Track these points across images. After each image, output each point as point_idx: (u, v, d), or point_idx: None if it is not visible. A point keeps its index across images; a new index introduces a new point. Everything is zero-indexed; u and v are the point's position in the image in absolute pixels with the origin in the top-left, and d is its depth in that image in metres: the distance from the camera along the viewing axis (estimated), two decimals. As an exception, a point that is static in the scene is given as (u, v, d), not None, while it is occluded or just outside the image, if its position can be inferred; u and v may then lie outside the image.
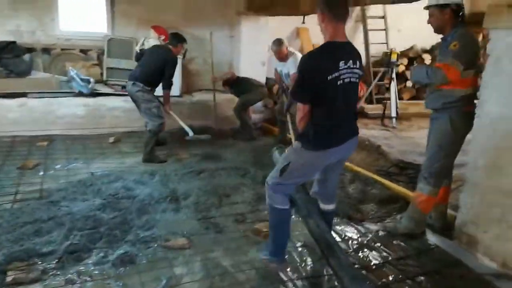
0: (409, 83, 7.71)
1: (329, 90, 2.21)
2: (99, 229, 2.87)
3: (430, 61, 7.85)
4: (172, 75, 4.75)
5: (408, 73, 7.66)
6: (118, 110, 5.77)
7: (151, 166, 4.40)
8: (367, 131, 5.79)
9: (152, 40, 5.97)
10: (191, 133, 5.05)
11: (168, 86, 4.77)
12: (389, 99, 7.16)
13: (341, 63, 2.20)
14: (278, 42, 5.06)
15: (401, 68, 7.46)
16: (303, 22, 5.90)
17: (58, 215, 3.00)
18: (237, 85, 5.93)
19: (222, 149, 5.18)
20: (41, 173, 4.12)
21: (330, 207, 2.73)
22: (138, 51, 5.87)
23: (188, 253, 2.72)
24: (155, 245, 2.77)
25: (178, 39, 4.91)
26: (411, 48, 7.97)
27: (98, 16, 6.31)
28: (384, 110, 6.32)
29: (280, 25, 7.08)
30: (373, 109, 6.89)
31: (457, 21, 2.84)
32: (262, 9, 6.02)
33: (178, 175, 3.94)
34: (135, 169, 4.25)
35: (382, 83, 7.38)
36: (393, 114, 6.12)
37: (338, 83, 2.20)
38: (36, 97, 5.42)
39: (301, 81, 2.24)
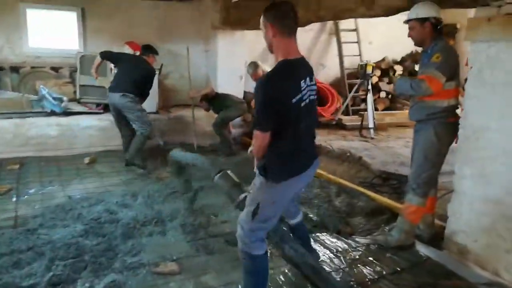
0: (382, 94, 7.88)
1: (292, 114, 1.98)
2: (83, 257, 2.72)
3: (401, 72, 8.08)
4: (151, 87, 5.00)
5: (381, 84, 7.84)
6: (92, 129, 5.59)
7: (132, 187, 4.25)
8: (347, 142, 5.84)
9: (126, 57, 5.82)
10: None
11: (146, 95, 5.00)
12: (365, 110, 7.30)
13: (302, 83, 2.01)
14: (254, 66, 5.16)
15: (375, 79, 7.62)
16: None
17: (37, 244, 2.83)
18: (216, 101, 5.85)
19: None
20: (14, 199, 3.91)
21: (298, 219, 2.70)
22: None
23: (179, 278, 2.61)
24: (144, 271, 2.65)
25: (150, 50, 5.02)
26: (383, 59, 8.17)
27: (69, 32, 6.12)
28: (362, 121, 6.40)
29: (255, 39, 7.10)
30: (350, 120, 6.98)
31: (437, 34, 2.92)
32: (238, 23, 6.01)
33: (162, 196, 3.82)
34: (115, 191, 4.10)
35: (357, 94, 7.51)
36: (371, 125, 6.21)
37: (302, 104, 2.01)
38: (5, 118, 5.17)
39: (263, 108, 1.93)
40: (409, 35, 3.02)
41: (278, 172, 2.05)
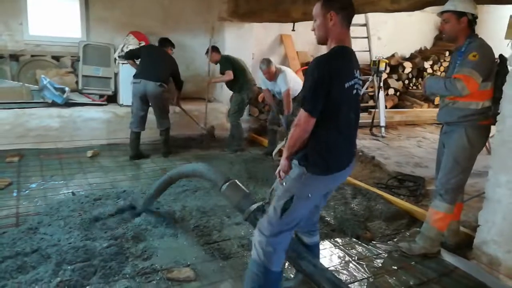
0: (391, 91, 7.72)
1: (344, 100, 1.91)
2: (91, 262, 2.53)
3: (410, 68, 7.92)
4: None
5: (390, 81, 7.67)
6: (95, 121, 5.39)
7: (138, 183, 4.08)
8: (358, 141, 5.60)
9: (132, 46, 5.61)
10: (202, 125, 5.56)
11: (181, 87, 5.25)
12: (373, 107, 7.14)
13: (355, 71, 1.98)
14: (267, 62, 4.91)
15: (384, 76, 7.44)
16: (293, 30, 5.72)
17: (42, 246, 2.64)
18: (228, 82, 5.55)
19: (211, 163, 4.88)
20: (15, 194, 3.71)
21: (316, 239, 2.38)
22: (117, 57, 5.56)
23: (195, 285, 2.44)
24: (157, 277, 2.48)
25: (169, 42, 5.10)
26: (393, 56, 8.00)
27: (71, 20, 5.87)
28: (373, 119, 6.23)
29: (263, 32, 6.92)
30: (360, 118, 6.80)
31: (471, 31, 2.74)
32: (247, 16, 5.80)
33: (172, 194, 3.63)
34: (121, 188, 3.91)
35: (366, 91, 7.34)
36: (382, 123, 6.05)
37: (353, 92, 1.96)
38: (5, 108, 4.94)
39: (316, 87, 1.84)
40: (442, 28, 2.84)
41: (321, 163, 1.94)
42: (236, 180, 2.57)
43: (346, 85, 1.89)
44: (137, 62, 4.95)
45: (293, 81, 4.91)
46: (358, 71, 2.01)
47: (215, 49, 5.48)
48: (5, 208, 3.38)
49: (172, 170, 3.13)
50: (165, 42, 5.05)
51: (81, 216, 3.12)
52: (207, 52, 5.51)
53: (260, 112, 6.66)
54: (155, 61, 4.78)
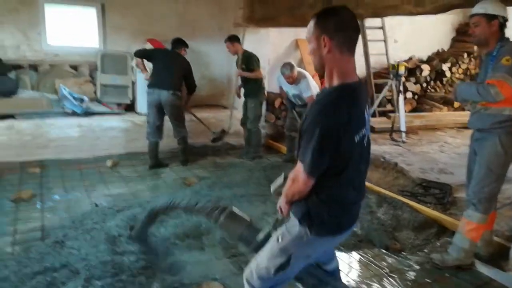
0: (409, 95, 7.61)
1: (354, 154, 1.58)
2: (120, 277, 2.50)
3: (428, 71, 7.80)
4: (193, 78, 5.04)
5: (408, 85, 7.56)
6: (114, 130, 5.40)
7: (160, 194, 4.05)
8: (378, 146, 5.58)
9: (149, 54, 5.61)
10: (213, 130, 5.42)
11: (194, 89, 5.09)
12: (391, 111, 7.04)
13: (365, 115, 1.64)
14: (290, 66, 4.81)
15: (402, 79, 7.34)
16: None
17: (70, 261, 2.62)
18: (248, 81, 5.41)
19: (230, 171, 4.88)
20: (38, 206, 3.72)
21: (335, 263, 2.09)
22: (134, 66, 5.56)
23: (226, 301, 2.40)
24: (187, 293, 2.44)
25: (181, 43, 5.02)
26: (410, 58, 7.90)
27: (87, 29, 5.90)
28: (393, 124, 6.13)
29: (279, 37, 6.87)
30: (379, 122, 6.71)
31: (501, 35, 2.65)
32: (263, 21, 5.76)
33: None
34: (142, 198, 3.89)
35: (384, 95, 7.24)
36: (403, 128, 5.93)
37: (364, 142, 1.64)
38: (25, 118, 4.98)
39: (320, 143, 1.47)
40: (472, 32, 2.74)
41: (327, 224, 1.62)
42: (233, 208, 2.27)
43: (356, 137, 1.56)
44: (146, 63, 4.98)
45: (313, 87, 4.87)
46: (367, 110, 1.68)
47: (237, 39, 5.36)
48: (30, 221, 3.38)
49: (159, 204, 2.77)
50: (178, 44, 4.98)
51: (106, 229, 3.09)
52: (226, 41, 5.34)
53: (277, 118, 6.61)
54: (168, 68, 4.73)
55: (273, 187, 1.93)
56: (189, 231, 3.08)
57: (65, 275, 2.49)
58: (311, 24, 1.57)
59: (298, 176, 1.56)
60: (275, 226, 1.98)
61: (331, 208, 1.62)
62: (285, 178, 1.80)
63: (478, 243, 2.92)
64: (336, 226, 1.66)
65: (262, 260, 1.76)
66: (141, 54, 4.86)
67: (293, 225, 1.68)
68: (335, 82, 1.55)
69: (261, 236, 2.05)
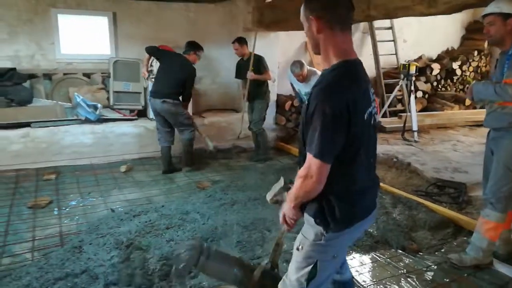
0: (419, 94, 7.57)
1: (363, 135, 1.51)
2: (139, 281, 2.53)
3: (438, 70, 7.75)
4: (192, 87, 4.85)
5: (418, 84, 7.53)
6: (127, 136, 5.46)
7: (174, 198, 4.08)
8: (391, 146, 5.57)
9: (160, 61, 5.67)
10: (211, 146, 5.13)
11: (188, 98, 4.83)
12: (401, 111, 7.01)
13: (370, 93, 1.60)
14: (300, 64, 4.85)
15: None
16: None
17: (90, 267, 2.65)
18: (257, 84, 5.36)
19: (243, 174, 4.90)
20: (56, 212, 3.77)
21: (349, 274, 1.99)
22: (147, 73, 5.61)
23: (244, 303, 2.40)
24: (206, 295, 2.46)
25: (191, 46, 4.85)
26: (420, 58, 7.86)
27: (100, 37, 5.98)
28: (405, 124, 6.10)
29: (288, 40, 6.89)
30: (390, 122, 6.69)
31: None
32: (273, 25, 5.78)
33: (212, 208, 3.62)
34: (157, 203, 3.92)
35: (395, 94, 7.22)
36: (415, 127, 5.91)
37: (372, 121, 1.57)
38: (41, 126, 5.06)
39: (326, 128, 1.40)
40: (486, 31, 2.72)
41: (343, 216, 1.52)
42: (212, 246, 2.09)
43: (365, 115, 1.51)
44: (152, 61, 5.14)
45: None
46: (371, 89, 1.64)
47: (245, 41, 5.38)
48: (48, 227, 3.43)
49: None
50: (188, 47, 4.88)
51: (123, 234, 3.12)
52: (235, 41, 5.39)
53: (287, 120, 6.62)
54: (168, 75, 4.68)
55: (270, 195, 1.78)
56: (206, 234, 3.10)
57: (86, 280, 2.52)
58: (302, 6, 1.57)
59: (311, 169, 1.44)
60: (273, 253, 1.94)
61: (344, 200, 1.52)
62: (286, 183, 1.75)
63: (496, 242, 2.90)
64: (353, 217, 1.57)
65: (291, 273, 1.65)
66: (151, 51, 4.86)
67: (308, 229, 1.60)
68: (333, 61, 1.51)
69: (258, 274, 1.91)
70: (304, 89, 5.03)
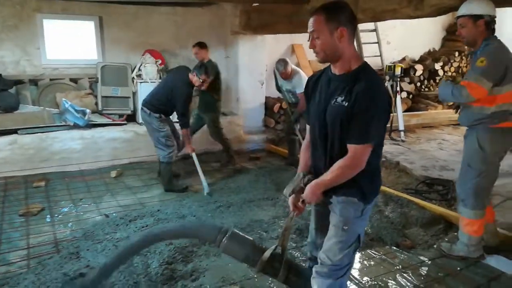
0: (403, 94, 7.73)
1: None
2: (142, 285, 2.54)
3: (422, 71, 7.94)
4: (184, 108, 4.22)
5: (403, 85, 7.69)
6: (117, 141, 5.41)
7: (169, 202, 4.08)
8: (378, 146, 5.66)
9: (149, 65, 5.68)
10: (207, 190, 4.31)
11: (183, 124, 4.26)
12: (388, 111, 7.14)
13: None
14: (284, 63, 4.93)
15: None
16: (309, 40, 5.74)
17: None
18: (205, 92, 4.94)
19: (235, 177, 4.92)
20: (48, 219, 3.73)
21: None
22: (135, 76, 5.61)
23: (246, 304, 2.44)
24: (208, 297, 2.48)
25: (199, 69, 4.31)
26: (403, 59, 8.03)
27: (86, 42, 5.93)
28: (392, 124, 6.23)
29: (274, 42, 6.96)
30: (376, 122, 6.81)
31: (489, 34, 2.68)
32: (260, 28, 5.84)
33: (208, 211, 3.64)
34: (151, 207, 3.91)
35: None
36: (401, 127, 6.05)
37: None
38: (28, 133, 4.99)
39: (382, 117, 1.71)
40: (459, 33, 2.80)
41: (373, 189, 1.85)
42: (234, 229, 2.20)
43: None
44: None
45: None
46: None
47: (205, 46, 5.11)
48: (42, 235, 3.39)
49: (149, 231, 2.61)
50: (196, 68, 4.39)
51: (120, 239, 3.12)
52: (195, 46, 5.12)
53: (276, 123, 6.69)
54: (157, 88, 4.46)
55: (289, 188, 1.90)
56: (205, 237, 3.11)
57: (86, 286, 2.51)
58: (322, 17, 1.71)
59: (360, 158, 1.70)
60: (282, 237, 2.03)
61: (377, 172, 1.86)
62: (304, 175, 1.89)
63: (484, 235, 2.97)
64: (378, 189, 1.90)
65: (335, 254, 1.82)
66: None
67: (349, 209, 1.80)
68: (354, 65, 1.75)
69: (267, 255, 2.04)
70: (286, 85, 5.13)
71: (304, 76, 5.06)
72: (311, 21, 1.74)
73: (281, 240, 2.05)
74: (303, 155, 2.01)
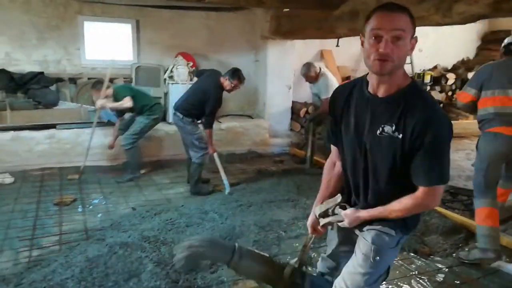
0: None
1: None
2: (166, 271, 2.67)
3: (454, 80, 7.80)
4: (213, 110, 4.28)
5: (433, 93, 7.58)
6: (147, 139, 5.59)
7: (193, 198, 4.24)
8: (404, 154, 5.62)
9: (181, 67, 5.89)
10: (228, 189, 4.41)
11: (208, 124, 4.31)
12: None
13: None
14: (307, 66, 5.15)
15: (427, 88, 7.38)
16: (338, 45, 5.78)
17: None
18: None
19: (257, 177, 5.04)
20: (80, 209, 3.95)
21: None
22: (167, 78, 5.82)
23: (262, 297, 2.52)
24: (225, 290, 2.58)
25: (232, 74, 4.30)
26: (435, 67, 7.92)
27: (123, 44, 6.22)
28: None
29: (304, 48, 7.02)
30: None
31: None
32: (290, 33, 5.95)
33: (230, 209, 3.75)
34: (176, 204, 4.06)
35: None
36: (429, 136, 5.97)
37: None
38: (66, 128, 5.28)
39: (447, 151, 1.49)
40: None
41: (416, 220, 1.71)
42: (246, 248, 2.10)
43: None
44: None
45: (332, 89, 5.03)
46: None
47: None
48: (73, 223, 3.61)
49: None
50: (228, 72, 4.36)
51: (145, 231, 3.27)
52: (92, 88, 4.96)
53: (302, 127, 6.75)
54: (188, 92, 4.47)
55: (322, 208, 1.75)
56: (225, 233, 3.23)
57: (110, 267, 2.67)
58: (407, 18, 1.44)
59: (436, 198, 1.51)
60: (301, 255, 1.99)
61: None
62: (341, 201, 1.72)
63: (495, 229, 2.98)
64: (420, 219, 1.74)
65: (359, 284, 1.64)
66: (196, 74, 4.93)
67: (384, 239, 1.61)
68: (404, 83, 1.51)
69: (288, 272, 1.98)
70: (313, 89, 5.27)
71: (331, 80, 5.12)
72: (394, 18, 1.41)
73: (300, 256, 2.04)
74: (326, 176, 1.85)
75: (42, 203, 4.05)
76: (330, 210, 1.73)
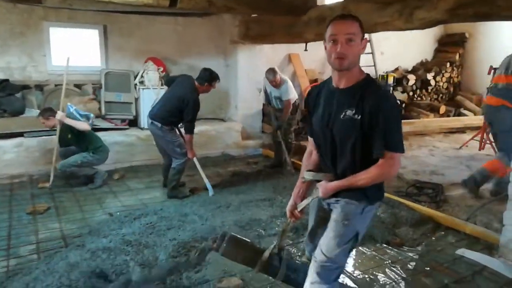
0: (397, 103, 7.97)
1: None
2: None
3: (414, 80, 8.20)
4: (193, 115, 4.24)
5: (396, 94, 7.94)
6: (119, 145, 5.60)
7: (171, 202, 4.26)
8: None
9: (151, 72, 5.89)
10: (211, 192, 4.50)
11: (189, 130, 4.28)
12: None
13: None
14: (273, 72, 5.27)
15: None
16: (306, 50, 5.98)
17: (98, 265, 2.81)
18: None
19: (233, 179, 5.13)
20: (55, 217, 3.88)
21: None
22: (138, 83, 5.81)
23: (246, 293, 2.61)
24: (210, 287, 2.65)
25: (205, 77, 4.34)
26: (396, 69, 8.29)
27: (90, 49, 6.14)
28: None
29: (272, 52, 7.18)
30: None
31: None
32: (258, 38, 6.08)
33: (209, 211, 3.82)
34: (154, 208, 4.05)
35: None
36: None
37: None
38: (33, 136, 5.16)
39: (401, 125, 1.79)
40: None
41: (378, 191, 1.91)
42: (231, 233, 2.28)
43: None
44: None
45: (292, 92, 5.41)
46: None
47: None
48: (49, 231, 3.55)
49: None
50: (200, 77, 4.41)
51: (125, 235, 3.28)
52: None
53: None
54: (162, 97, 4.48)
55: (303, 206, 2.01)
56: (206, 234, 3.28)
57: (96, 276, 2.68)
58: (357, 24, 1.76)
59: (395, 166, 1.76)
60: (279, 239, 2.19)
61: (381, 183, 1.90)
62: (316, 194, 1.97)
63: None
64: (382, 196, 1.96)
65: (332, 249, 1.87)
66: (166, 82, 4.82)
67: (352, 207, 1.86)
68: (361, 76, 1.82)
69: (266, 255, 2.16)
70: (274, 93, 5.44)
71: (291, 84, 5.41)
72: (346, 25, 1.74)
73: (278, 241, 2.20)
74: (305, 163, 2.13)
75: (14, 213, 3.96)
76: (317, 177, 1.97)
